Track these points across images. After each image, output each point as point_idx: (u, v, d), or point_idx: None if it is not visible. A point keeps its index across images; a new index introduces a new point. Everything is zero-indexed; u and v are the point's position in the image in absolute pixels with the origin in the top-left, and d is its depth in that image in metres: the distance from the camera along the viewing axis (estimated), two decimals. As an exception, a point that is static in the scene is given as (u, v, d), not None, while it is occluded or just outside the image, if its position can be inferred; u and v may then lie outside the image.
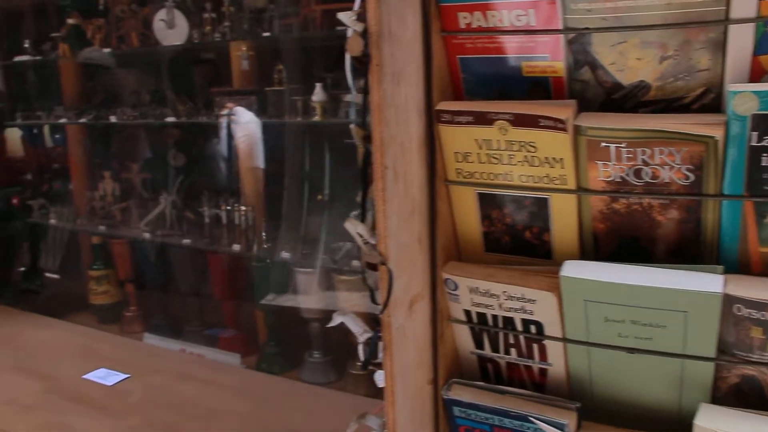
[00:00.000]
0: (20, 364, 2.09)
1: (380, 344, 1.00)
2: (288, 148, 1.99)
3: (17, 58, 2.67)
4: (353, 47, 0.91)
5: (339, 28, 1.81)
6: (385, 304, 0.94)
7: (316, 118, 1.82)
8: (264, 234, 2.02)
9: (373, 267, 0.96)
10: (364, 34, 0.91)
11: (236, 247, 2.04)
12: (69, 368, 2.03)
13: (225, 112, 2.05)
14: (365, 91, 0.92)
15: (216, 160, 2.22)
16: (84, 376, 1.95)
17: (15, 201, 2.75)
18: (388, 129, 0.92)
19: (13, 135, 2.83)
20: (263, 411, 1.73)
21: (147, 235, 2.29)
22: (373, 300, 1.00)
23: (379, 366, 1.01)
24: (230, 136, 2.07)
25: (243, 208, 2.00)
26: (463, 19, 1.02)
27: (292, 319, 2.02)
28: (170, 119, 2.18)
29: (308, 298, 1.93)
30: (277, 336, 2.09)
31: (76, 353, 2.16)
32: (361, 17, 0.91)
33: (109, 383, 1.90)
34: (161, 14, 2.11)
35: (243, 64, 1.90)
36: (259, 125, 1.99)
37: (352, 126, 0.96)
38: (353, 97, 0.99)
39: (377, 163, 0.92)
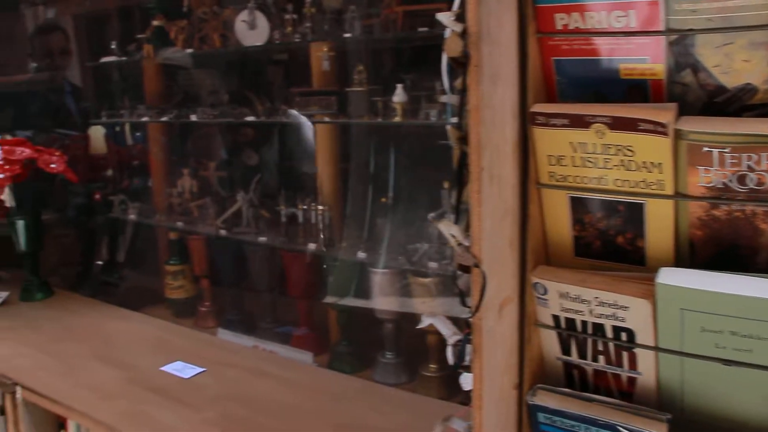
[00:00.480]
0: (101, 353, 2.15)
1: (468, 347, 0.99)
2: (366, 149, 2.00)
3: (104, 59, 2.76)
4: (452, 48, 0.91)
5: (420, 29, 1.81)
6: (477, 307, 0.93)
7: (397, 119, 1.82)
8: (340, 233, 2.03)
9: (466, 269, 0.95)
10: (463, 35, 0.91)
11: (312, 246, 2.06)
12: (147, 359, 2.08)
13: (293, 113, 2.09)
14: (463, 92, 0.92)
15: (293, 160, 2.25)
16: (161, 368, 1.99)
17: (97, 197, 2.84)
18: (485, 130, 0.92)
19: (97, 133, 2.92)
20: (337, 409, 1.74)
21: (223, 232, 2.33)
22: (463, 302, 1.00)
23: (467, 369, 1.00)
24: (307, 137, 2.09)
25: (320, 207, 2.01)
26: (560, 20, 1.01)
27: (365, 319, 2.02)
28: (250, 118, 2.21)
29: (383, 298, 1.93)
30: (350, 335, 2.10)
31: (152, 345, 2.21)
32: (460, 18, 0.91)
33: (186, 376, 1.94)
34: (243, 15, 2.14)
35: (324, 65, 1.92)
36: (339, 126, 2.01)
37: (448, 127, 0.96)
38: (449, 98, 0.99)
39: (474, 165, 0.91)
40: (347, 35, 1.90)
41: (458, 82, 0.96)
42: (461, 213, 0.96)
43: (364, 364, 2.08)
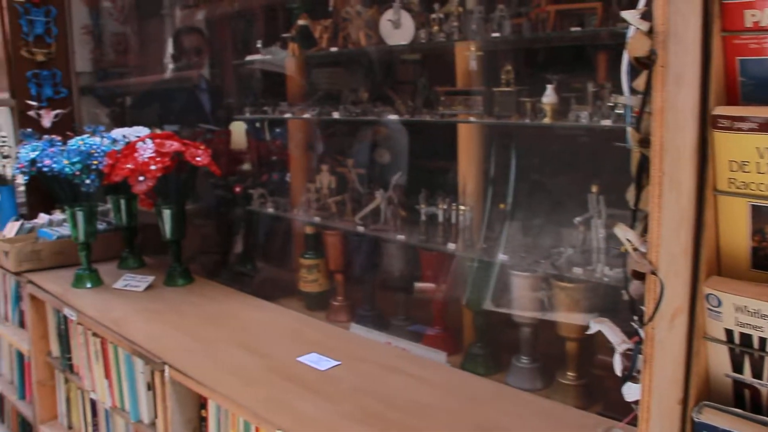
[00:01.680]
0: (240, 339, 2.23)
1: (639, 357, 0.96)
2: (509, 150, 1.98)
3: (248, 57, 2.86)
4: (636, 47, 0.88)
5: (573, 29, 1.76)
6: (652, 316, 0.90)
7: (546, 121, 1.79)
8: (481, 234, 2.01)
9: (640, 276, 0.92)
10: (649, 34, 0.87)
11: (451, 246, 2.05)
12: (283, 349, 2.14)
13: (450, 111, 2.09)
14: (645, 94, 0.89)
15: (436, 159, 2.25)
16: (298, 359, 2.04)
17: (237, 189, 2.95)
18: (668, 134, 0.88)
19: (239, 128, 3.03)
20: (473, 410, 1.73)
21: (361, 229, 2.36)
22: (633, 310, 0.96)
23: (633, 379, 0.96)
24: (451, 136, 2.08)
25: (462, 207, 2.00)
26: (751, 17, 0.95)
27: (502, 321, 2.00)
28: (392, 117, 2.23)
29: (522, 301, 1.90)
30: (485, 337, 2.07)
31: (288, 336, 2.27)
32: (646, 16, 0.88)
33: (321, 368, 1.98)
34: (388, 14, 2.16)
35: (471, 65, 1.90)
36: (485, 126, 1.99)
37: (628, 129, 0.93)
38: (628, 99, 0.96)
39: (655, 169, 0.88)
40: (495, 35, 1.88)
41: (637, 83, 0.93)
42: (637, 218, 0.93)
43: (497, 367, 2.05)
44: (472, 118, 1.98)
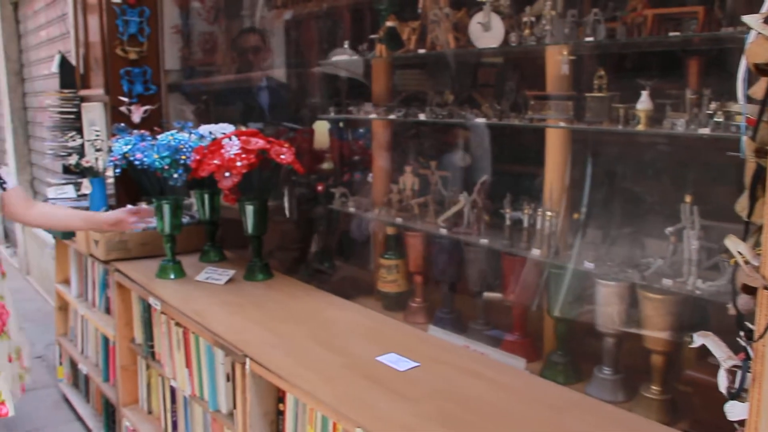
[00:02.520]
0: (319, 336, 2.25)
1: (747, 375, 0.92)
2: (598, 156, 1.94)
3: (335, 58, 2.89)
4: (757, 53, 0.85)
5: (672, 33, 1.71)
6: (763, 332, 0.86)
7: (640, 127, 1.74)
8: (567, 241, 1.99)
9: (750, 290, 0.89)
10: (772, 40, 0.84)
11: (535, 252, 2.02)
12: (362, 348, 2.15)
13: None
14: (764, 102, 0.86)
15: (519, 163, 2.23)
16: (377, 358, 2.05)
17: (320, 188, 2.99)
18: (787, 143, 0.85)
19: (322, 128, 3.07)
20: (554, 419, 1.70)
21: (443, 231, 2.35)
22: (740, 326, 0.93)
23: (739, 398, 0.93)
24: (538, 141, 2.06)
25: (548, 213, 1.97)
26: None
27: (584, 330, 1.96)
28: (479, 120, 2.22)
29: (607, 311, 1.86)
30: (566, 345, 2.04)
31: (366, 335, 2.28)
32: (769, 21, 0.85)
33: (401, 369, 1.98)
34: (478, 17, 2.15)
35: (563, 69, 1.88)
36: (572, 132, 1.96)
37: (744, 138, 0.90)
38: (744, 106, 0.92)
39: (773, 180, 0.85)
40: (589, 39, 1.85)
41: (754, 91, 0.89)
42: (750, 230, 0.89)
43: (578, 377, 2.02)
44: (562, 123, 1.96)
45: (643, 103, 1.72)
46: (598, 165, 2.00)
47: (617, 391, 1.91)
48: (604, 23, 1.83)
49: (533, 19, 2.02)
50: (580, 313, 1.96)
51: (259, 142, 2.68)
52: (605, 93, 1.83)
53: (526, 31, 2.03)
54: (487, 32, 2.13)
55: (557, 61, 1.93)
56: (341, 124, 3.02)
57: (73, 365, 4.23)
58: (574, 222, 1.99)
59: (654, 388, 1.84)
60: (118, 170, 2.83)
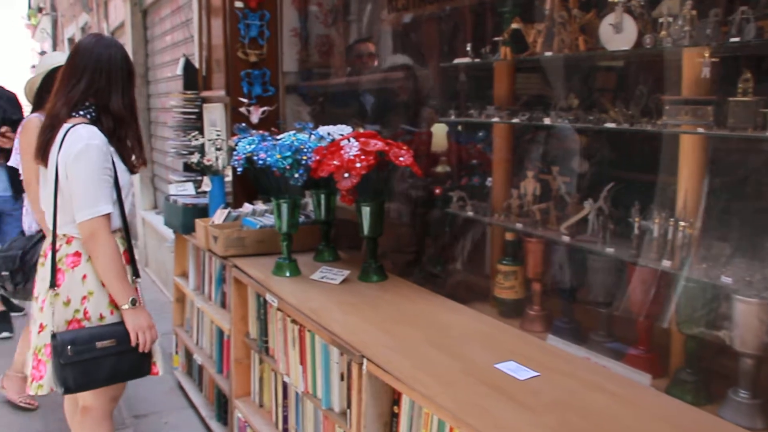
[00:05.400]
0: (435, 340, 2.23)
1: None
2: (742, 165, 1.84)
3: (456, 61, 2.87)
4: None
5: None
6: None
7: (791, 135, 1.64)
8: (700, 253, 1.89)
9: None
10: None
11: (666, 263, 1.93)
12: (479, 354, 2.11)
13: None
14: None
15: (645, 170, 2.13)
16: (495, 365, 2.01)
17: (437, 191, 2.97)
18: None
19: (440, 130, 3.06)
20: (686, 441, 1.62)
21: (566, 238, 2.29)
22: None
23: None
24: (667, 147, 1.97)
25: (681, 223, 1.88)
26: None
27: (717, 348, 1.86)
28: (609, 125, 2.14)
29: (745, 330, 1.76)
30: (696, 363, 1.94)
31: (483, 341, 2.23)
32: None
33: (520, 377, 1.93)
34: (609, 18, 2.08)
35: (703, 71, 1.78)
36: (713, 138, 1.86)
37: None
38: None
39: None
40: (734, 39, 1.75)
41: None
42: None
43: (709, 398, 1.91)
44: (700, 129, 1.86)
45: (795, 108, 1.61)
46: (737, 174, 1.89)
47: (755, 416, 1.79)
48: (755, 22, 1.72)
49: (670, 19, 1.93)
50: (713, 330, 1.85)
51: (378, 144, 2.69)
52: (751, 97, 1.73)
53: (662, 33, 1.94)
54: (619, 34, 2.06)
55: (696, 64, 1.83)
56: (460, 128, 2.99)
57: (188, 355, 4.39)
58: (709, 233, 1.89)
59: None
60: (240, 169, 2.91)
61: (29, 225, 3.83)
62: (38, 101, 3.57)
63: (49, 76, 3.46)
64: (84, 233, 2.57)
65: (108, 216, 2.57)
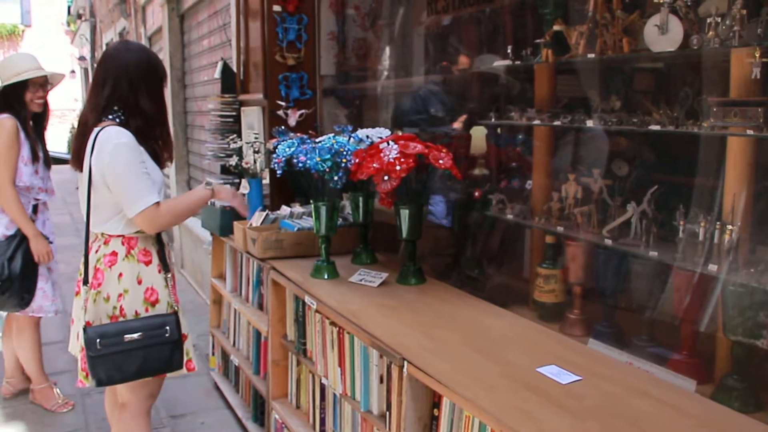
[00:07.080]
0: (475, 343, 2.22)
1: None
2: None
3: (496, 63, 2.86)
4: None
5: None
6: None
7: None
8: (748, 257, 1.85)
9: None
10: None
11: (712, 268, 1.90)
12: (520, 357, 2.10)
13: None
14: None
15: (692, 173, 2.10)
16: (537, 369, 1.99)
17: (477, 194, 2.96)
18: None
19: (479, 133, 3.05)
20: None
21: (608, 242, 2.26)
22: None
23: None
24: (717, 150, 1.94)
25: (729, 227, 1.85)
26: None
27: (766, 355, 1.82)
28: (654, 127, 2.12)
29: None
30: (743, 370, 1.90)
31: (523, 344, 2.22)
32: None
33: (562, 382, 1.91)
34: (655, 19, 2.06)
35: (753, 72, 1.76)
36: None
37: None
38: None
39: None
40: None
41: None
42: None
43: (757, 405, 1.88)
44: (750, 131, 1.83)
45: None
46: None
47: (806, 423, 1.75)
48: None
49: (718, 19, 1.90)
50: (762, 336, 1.82)
51: (417, 147, 2.69)
52: (803, 99, 1.70)
53: (710, 33, 1.91)
54: (664, 35, 2.03)
55: (746, 64, 1.80)
56: (499, 130, 2.98)
57: (225, 356, 4.43)
58: (757, 237, 1.86)
59: None
60: (280, 171, 2.93)
61: (6, 226, 3.85)
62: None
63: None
64: (142, 226, 2.67)
65: (158, 204, 2.63)
